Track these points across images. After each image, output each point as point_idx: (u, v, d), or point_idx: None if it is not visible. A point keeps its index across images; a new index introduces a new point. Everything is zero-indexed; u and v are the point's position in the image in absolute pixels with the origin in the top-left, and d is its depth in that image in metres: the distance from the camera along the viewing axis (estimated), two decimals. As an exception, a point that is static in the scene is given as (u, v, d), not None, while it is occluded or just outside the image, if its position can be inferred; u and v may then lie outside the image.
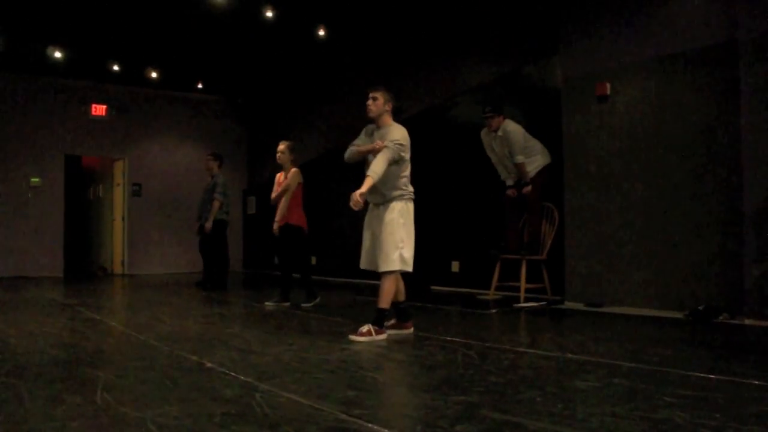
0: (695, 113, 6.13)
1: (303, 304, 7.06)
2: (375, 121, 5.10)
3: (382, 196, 4.97)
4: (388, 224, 4.88)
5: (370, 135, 5.15)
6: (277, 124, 14.00)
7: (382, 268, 4.84)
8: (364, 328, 4.78)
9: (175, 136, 14.21)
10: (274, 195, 7.31)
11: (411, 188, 5.02)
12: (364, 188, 4.72)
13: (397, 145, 4.83)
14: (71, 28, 9.90)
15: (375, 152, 4.89)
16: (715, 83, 6.00)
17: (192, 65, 12.26)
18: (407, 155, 4.94)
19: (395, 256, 4.82)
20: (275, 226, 7.20)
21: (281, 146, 7.33)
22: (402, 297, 5.11)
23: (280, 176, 7.40)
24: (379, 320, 4.85)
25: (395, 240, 4.84)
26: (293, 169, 7.26)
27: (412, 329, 5.14)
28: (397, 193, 4.94)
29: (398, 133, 4.90)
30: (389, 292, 4.86)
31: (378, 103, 5.03)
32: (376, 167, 4.74)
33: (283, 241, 7.21)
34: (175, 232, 13.77)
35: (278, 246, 7.38)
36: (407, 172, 4.99)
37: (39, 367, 3.84)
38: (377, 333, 4.78)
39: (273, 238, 7.35)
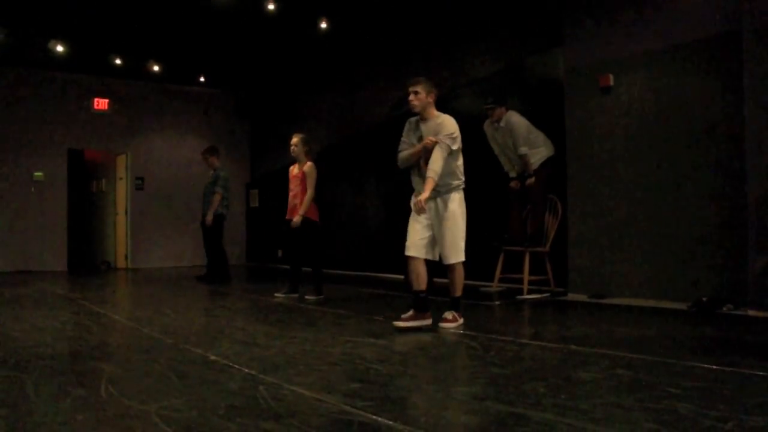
0: (698, 104, 6.11)
1: (307, 297, 7.07)
2: (419, 114, 5.09)
3: (437, 188, 4.95)
4: (452, 216, 4.98)
5: (415, 129, 5.14)
6: (279, 118, 13.99)
7: (452, 260, 5.00)
8: (449, 315, 5.03)
9: (178, 130, 14.19)
10: (292, 192, 7.30)
11: (464, 177, 5.12)
12: (427, 192, 4.81)
13: (449, 139, 4.88)
14: (73, 22, 9.88)
15: (427, 150, 4.93)
16: (719, 73, 5.98)
17: (194, 59, 12.24)
18: (458, 145, 4.98)
19: (461, 246, 5.00)
20: (297, 219, 7.08)
21: (294, 139, 7.31)
22: (425, 285, 5.04)
23: (293, 169, 7.39)
24: (458, 306, 5.13)
25: (460, 231, 5.01)
26: (309, 164, 7.23)
27: (430, 321, 4.99)
28: (455, 183, 5.02)
29: (451, 126, 4.94)
30: (462, 279, 5.12)
31: (420, 96, 5.00)
32: (436, 167, 4.82)
33: (297, 235, 7.19)
34: (178, 225, 13.79)
35: (289, 239, 7.36)
36: (461, 160, 5.09)
37: (44, 360, 3.85)
38: (459, 317, 5.09)
39: (285, 232, 7.32)
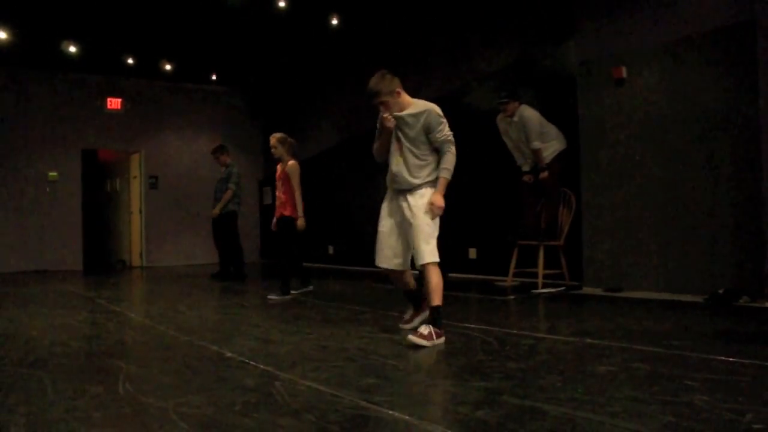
0: (713, 96, 6.06)
1: (270, 297, 6.92)
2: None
3: (409, 180, 4.37)
4: (420, 212, 4.29)
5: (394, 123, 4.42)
6: (292, 115, 14.01)
7: (423, 261, 4.23)
8: (425, 330, 4.07)
9: (190, 128, 14.25)
10: (278, 191, 7.26)
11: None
12: (443, 191, 4.28)
13: (448, 130, 4.35)
14: (85, 23, 9.93)
15: (387, 131, 4.38)
16: (733, 65, 5.92)
17: (206, 57, 12.28)
18: None
19: (433, 245, 4.26)
20: (301, 222, 6.99)
21: (272, 140, 7.15)
22: (412, 287, 4.67)
23: (278, 168, 7.28)
24: (437, 320, 4.17)
25: (432, 230, 4.29)
26: (291, 162, 7.09)
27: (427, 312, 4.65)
28: (429, 177, 4.36)
29: (440, 115, 4.34)
30: (439, 285, 4.22)
31: (388, 103, 4.33)
32: (450, 165, 4.30)
33: (279, 231, 7.15)
34: (192, 223, 13.84)
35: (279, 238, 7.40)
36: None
37: (61, 358, 3.88)
38: (437, 336, 4.09)
39: (276, 233, 7.35)
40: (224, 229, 9.36)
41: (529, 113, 7.30)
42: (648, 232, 6.54)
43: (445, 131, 4.33)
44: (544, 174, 7.32)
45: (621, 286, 6.72)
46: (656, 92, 6.51)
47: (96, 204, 15.15)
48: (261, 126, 15.22)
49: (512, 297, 6.75)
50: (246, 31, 10.60)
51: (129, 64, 11.89)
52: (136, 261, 13.83)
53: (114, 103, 13.23)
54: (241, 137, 14.70)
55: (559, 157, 7.34)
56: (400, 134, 4.41)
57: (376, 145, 4.62)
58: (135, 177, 13.90)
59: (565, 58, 7.74)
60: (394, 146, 4.47)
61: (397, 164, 4.43)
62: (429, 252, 4.24)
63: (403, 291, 4.75)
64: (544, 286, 7.11)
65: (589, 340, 4.14)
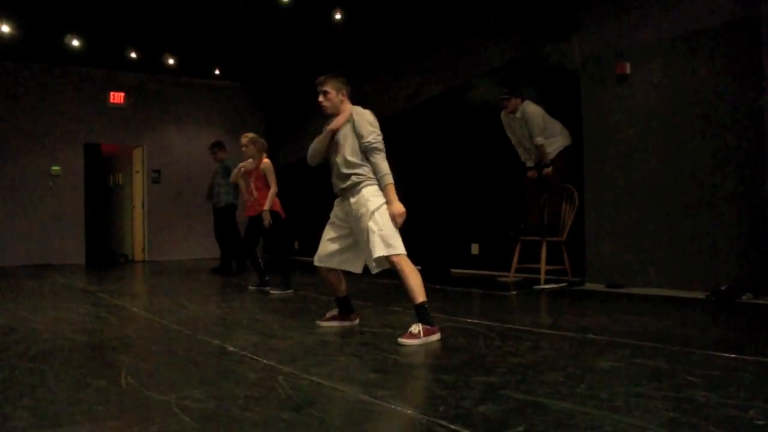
0: (717, 92, 6.04)
1: (272, 291, 7.08)
2: (332, 116, 4.55)
3: (351, 181, 4.41)
4: (370, 209, 4.27)
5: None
6: (294, 110, 13.99)
7: (385, 252, 4.17)
8: (415, 329, 4.01)
9: (193, 123, 14.24)
10: (249, 189, 7.43)
11: None
12: (395, 198, 4.27)
13: (378, 141, 4.34)
14: (88, 17, 9.92)
15: (332, 133, 4.52)
16: (738, 61, 5.90)
17: (209, 52, 12.26)
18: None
19: (396, 238, 4.22)
20: (267, 216, 7.13)
21: (244, 140, 7.48)
22: (341, 294, 4.73)
23: (249, 166, 7.43)
24: (425, 317, 4.10)
25: (386, 223, 4.23)
26: (265, 161, 7.34)
27: (357, 321, 4.80)
28: (366, 176, 4.37)
29: (373, 121, 4.41)
30: (418, 282, 4.17)
31: (330, 96, 4.46)
32: (386, 169, 4.31)
33: (262, 229, 7.26)
34: (194, 218, 13.82)
35: (252, 234, 7.49)
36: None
37: (64, 352, 3.89)
38: (429, 333, 4.05)
39: (251, 227, 7.42)
40: (223, 222, 9.42)
41: (532, 109, 7.29)
42: (651, 228, 6.54)
43: (369, 138, 4.33)
44: (548, 170, 7.31)
45: (623, 282, 6.71)
46: (660, 88, 6.50)
47: (98, 198, 15.16)
48: (264, 121, 15.21)
49: (514, 293, 6.75)
50: (249, 26, 10.58)
51: (132, 58, 11.87)
52: (138, 255, 13.85)
53: (117, 97, 13.21)
54: (244, 132, 14.64)
55: (563, 153, 7.33)
56: (339, 137, 4.49)
57: (313, 145, 4.68)
58: (137, 171, 13.91)
59: (568, 54, 7.71)
60: (333, 147, 4.55)
61: (336, 164, 4.52)
62: (398, 244, 4.21)
63: (335, 297, 4.79)
64: (547, 281, 7.10)
65: (591, 336, 4.14)
